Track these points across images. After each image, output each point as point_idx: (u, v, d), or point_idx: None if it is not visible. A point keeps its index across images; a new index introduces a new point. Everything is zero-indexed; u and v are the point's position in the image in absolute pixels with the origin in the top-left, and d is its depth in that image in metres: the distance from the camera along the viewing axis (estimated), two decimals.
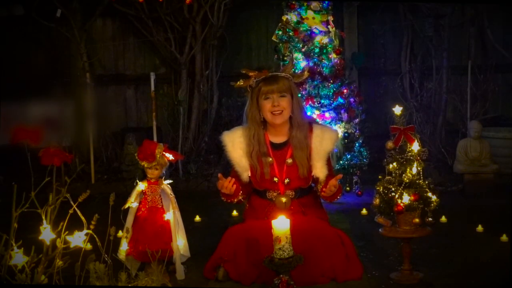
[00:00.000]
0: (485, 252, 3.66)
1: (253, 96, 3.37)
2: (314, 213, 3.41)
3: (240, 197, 3.40)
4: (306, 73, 3.58)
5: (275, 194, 3.38)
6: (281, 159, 3.37)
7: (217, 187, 3.30)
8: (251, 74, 3.38)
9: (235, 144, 3.42)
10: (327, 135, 3.41)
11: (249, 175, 3.41)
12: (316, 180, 3.40)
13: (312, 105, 5.15)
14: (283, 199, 3.35)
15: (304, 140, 3.36)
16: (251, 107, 3.38)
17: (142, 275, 2.79)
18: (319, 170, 3.36)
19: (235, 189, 3.27)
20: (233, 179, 3.27)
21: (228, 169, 3.54)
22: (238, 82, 3.42)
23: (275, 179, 3.36)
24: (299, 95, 3.56)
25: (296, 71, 5.05)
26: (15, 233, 2.44)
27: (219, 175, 3.27)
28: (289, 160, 3.36)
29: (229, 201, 3.39)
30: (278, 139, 3.42)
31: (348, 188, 5.29)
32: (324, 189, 3.27)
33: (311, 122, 3.51)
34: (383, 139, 3.25)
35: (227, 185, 3.23)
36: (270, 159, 3.37)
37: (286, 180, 3.36)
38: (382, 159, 3.20)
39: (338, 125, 5.20)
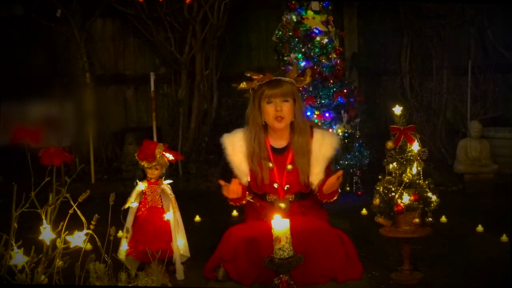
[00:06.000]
0: (485, 252, 3.65)
1: (255, 99, 3.33)
2: (314, 214, 3.40)
3: (249, 198, 3.35)
4: (308, 78, 3.49)
5: (275, 197, 3.37)
6: (281, 164, 3.36)
7: (223, 195, 3.24)
8: (255, 77, 3.33)
9: (236, 147, 3.40)
10: (327, 140, 3.39)
11: (248, 180, 3.39)
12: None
13: (312, 105, 5.15)
14: (282, 205, 3.33)
15: (306, 146, 3.34)
16: (253, 109, 3.35)
17: (142, 275, 2.79)
18: (315, 177, 3.35)
19: (242, 190, 3.25)
20: (237, 180, 3.25)
21: (228, 169, 3.52)
22: (241, 85, 3.36)
23: (275, 184, 3.36)
24: (299, 95, 3.54)
25: None
26: (15, 233, 2.44)
27: (221, 182, 3.23)
28: (290, 166, 3.35)
29: (238, 204, 3.35)
30: (279, 143, 3.40)
31: (348, 188, 5.29)
32: (322, 187, 3.25)
33: (312, 126, 3.48)
34: (383, 139, 3.24)
35: (233, 188, 3.20)
36: (271, 164, 3.35)
37: (286, 186, 3.36)
38: (382, 159, 3.19)
39: (338, 125, 5.20)
